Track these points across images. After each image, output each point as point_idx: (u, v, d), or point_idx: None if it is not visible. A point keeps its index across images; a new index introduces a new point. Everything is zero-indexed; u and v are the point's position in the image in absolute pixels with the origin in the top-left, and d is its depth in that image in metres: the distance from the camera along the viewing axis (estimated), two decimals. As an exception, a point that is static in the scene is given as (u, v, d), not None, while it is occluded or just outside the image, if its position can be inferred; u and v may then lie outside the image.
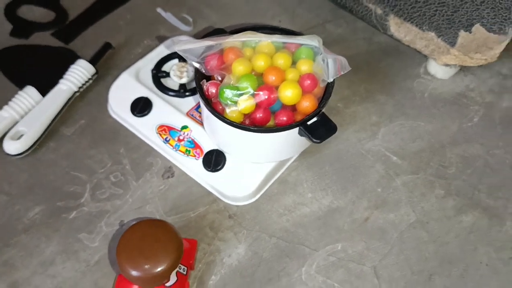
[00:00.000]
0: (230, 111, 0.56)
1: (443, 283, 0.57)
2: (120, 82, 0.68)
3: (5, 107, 0.65)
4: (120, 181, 0.63)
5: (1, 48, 0.75)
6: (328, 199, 0.63)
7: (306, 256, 0.59)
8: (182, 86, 0.67)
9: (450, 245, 0.60)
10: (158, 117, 0.65)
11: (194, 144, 0.63)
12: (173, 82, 0.68)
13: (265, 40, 0.58)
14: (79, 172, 0.64)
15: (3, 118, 0.65)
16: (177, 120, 0.64)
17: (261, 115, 0.56)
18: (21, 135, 0.64)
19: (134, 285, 0.52)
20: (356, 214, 0.62)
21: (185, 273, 0.54)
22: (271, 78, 0.56)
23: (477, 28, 0.66)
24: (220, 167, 0.61)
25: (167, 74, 0.68)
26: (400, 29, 0.72)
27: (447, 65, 0.72)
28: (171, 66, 0.69)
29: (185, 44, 0.58)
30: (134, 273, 0.48)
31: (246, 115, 0.57)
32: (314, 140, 0.55)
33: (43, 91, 0.67)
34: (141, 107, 0.65)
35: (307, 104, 0.56)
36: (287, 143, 0.59)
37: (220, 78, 0.58)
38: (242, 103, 0.55)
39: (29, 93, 0.66)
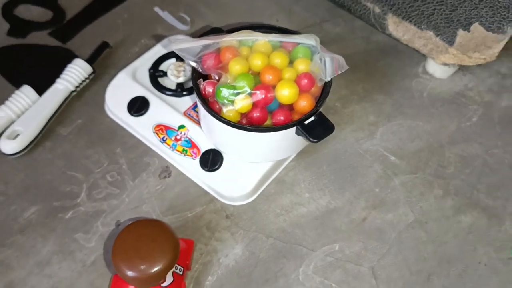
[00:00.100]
0: (227, 111, 0.55)
1: (441, 283, 0.57)
2: (117, 81, 0.68)
3: (2, 106, 0.65)
4: (117, 181, 0.63)
5: (-2, 47, 0.75)
6: (326, 199, 0.63)
7: (303, 257, 0.58)
8: (179, 85, 0.67)
9: (448, 245, 0.60)
10: (155, 117, 0.65)
11: (191, 144, 0.63)
12: (170, 81, 0.68)
13: (262, 39, 0.58)
14: (76, 172, 0.63)
15: (-1, 117, 0.65)
16: (174, 119, 0.64)
17: (258, 114, 0.56)
18: (18, 135, 0.64)
19: (130, 286, 0.52)
20: (354, 214, 0.61)
21: (181, 273, 0.54)
22: (268, 77, 0.56)
23: (476, 27, 0.66)
24: (217, 166, 0.61)
25: (164, 74, 0.68)
26: (398, 28, 0.71)
27: (445, 64, 0.72)
28: (169, 65, 0.69)
29: (182, 43, 0.58)
30: (129, 273, 0.48)
31: (243, 115, 0.56)
32: (312, 139, 0.55)
33: (40, 91, 0.67)
34: (138, 106, 0.65)
35: (304, 104, 0.56)
36: (284, 143, 0.59)
37: (217, 77, 0.57)
38: (239, 102, 0.54)
39: (25, 93, 0.66)
